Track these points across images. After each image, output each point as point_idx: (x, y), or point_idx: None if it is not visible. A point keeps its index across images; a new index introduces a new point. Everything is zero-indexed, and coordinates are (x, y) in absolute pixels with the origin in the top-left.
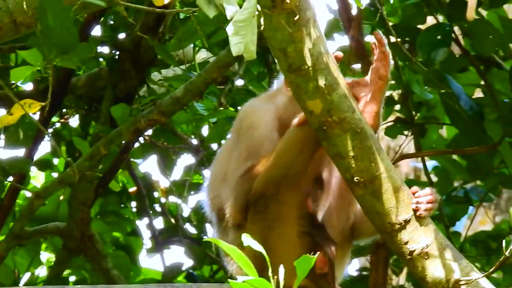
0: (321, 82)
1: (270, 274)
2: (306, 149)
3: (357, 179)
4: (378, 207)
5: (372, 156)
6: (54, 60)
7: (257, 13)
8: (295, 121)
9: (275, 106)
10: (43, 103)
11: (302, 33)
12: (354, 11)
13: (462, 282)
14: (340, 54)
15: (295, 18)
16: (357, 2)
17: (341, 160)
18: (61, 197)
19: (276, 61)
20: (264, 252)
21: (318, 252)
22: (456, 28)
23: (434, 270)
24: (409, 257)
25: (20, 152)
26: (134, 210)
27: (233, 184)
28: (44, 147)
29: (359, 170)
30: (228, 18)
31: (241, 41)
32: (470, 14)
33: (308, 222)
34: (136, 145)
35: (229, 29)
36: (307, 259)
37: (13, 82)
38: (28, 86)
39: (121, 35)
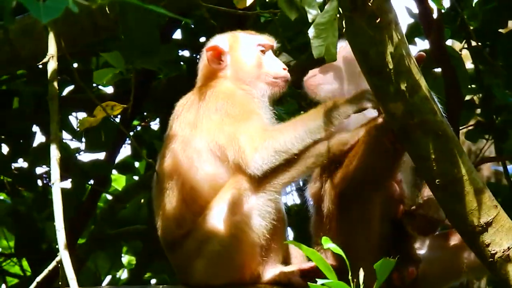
0: (403, 85)
1: (350, 277)
2: (389, 154)
3: (438, 182)
4: (459, 209)
5: (453, 159)
6: (136, 62)
7: (338, 16)
8: (377, 121)
9: None
10: (125, 105)
11: (383, 36)
12: (434, 15)
13: None
14: (423, 54)
15: (377, 21)
16: (438, 5)
17: (423, 163)
18: (142, 201)
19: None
20: (344, 256)
21: (397, 257)
22: None
23: None
24: (490, 259)
25: (101, 155)
26: None
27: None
28: (125, 151)
29: (440, 173)
30: (310, 21)
31: (322, 43)
32: None
33: (392, 227)
34: None
35: (311, 32)
36: (387, 262)
37: (94, 85)
38: (109, 90)
39: (202, 39)
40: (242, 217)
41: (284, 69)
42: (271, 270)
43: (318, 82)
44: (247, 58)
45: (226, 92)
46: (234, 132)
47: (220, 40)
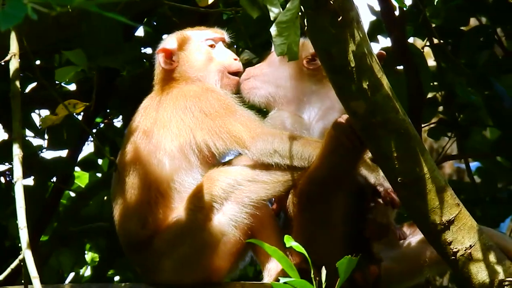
0: (365, 83)
1: (312, 276)
2: (349, 153)
3: (400, 180)
4: (422, 207)
5: (415, 157)
6: (99, 60)
7: (300, 14)
8: (338, 119)
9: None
10: (87, 103)
11: (345, 34)
12: (396, 13)
13: (506, 283)
14: (383, 52)
15: (339, 19)
16: (400, 3)
17: (386, 161)
18: (105, 198)
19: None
20: (306, 254)
21: (359, 255)
22: (499, 30)
23: (477, 271)
24: (452, 257)
25: (64, 152)
26: None
27: None
28: (88, 148)
29: (403, 171)
30: (272, 19)
31: (284, 42)
32: None
33: (353, 227)
34: None
35: (273, 30)
36: (349, 261)
37: (57, 82)
38: (72, 87)
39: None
40: (213, 221)
41: (235, 59)
42: (272, 267)
43: (252, 86)
44: (195, 54)
45: (196, 90)
46: (221, 126)
47: (169, 41)
